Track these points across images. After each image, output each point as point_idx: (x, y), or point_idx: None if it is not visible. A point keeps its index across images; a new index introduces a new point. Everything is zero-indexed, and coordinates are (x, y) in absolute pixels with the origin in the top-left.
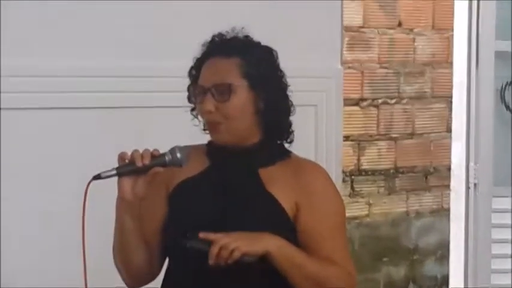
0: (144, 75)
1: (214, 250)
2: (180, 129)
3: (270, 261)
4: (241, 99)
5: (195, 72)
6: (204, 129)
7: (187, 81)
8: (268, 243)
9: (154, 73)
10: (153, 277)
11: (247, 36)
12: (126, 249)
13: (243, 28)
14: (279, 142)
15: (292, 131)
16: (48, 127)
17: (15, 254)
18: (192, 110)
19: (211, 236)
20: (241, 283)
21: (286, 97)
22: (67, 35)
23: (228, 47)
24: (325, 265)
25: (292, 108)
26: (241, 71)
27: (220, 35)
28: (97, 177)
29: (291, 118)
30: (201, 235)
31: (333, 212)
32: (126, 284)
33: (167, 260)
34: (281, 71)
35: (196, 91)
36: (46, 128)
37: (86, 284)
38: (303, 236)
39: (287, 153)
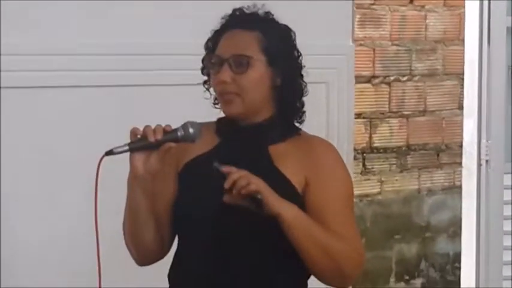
0: (153, 53)
1: (234, 175)
2: (192, 107)
3: (282, 228)
4: (259, 73)
5: (211, 44)
6: (215, 104)
7: (199, 59)
8: (284, 208)
9: (163, 51)
10: (162, 255)
11: (268, 13)
12: (137, 225)
13: (263, 5)
14: (290, 120)
15: (304, 112)
16: (59, 105)
17: (23, 236)
18: (205, 82)
19: (234, 169)
20: (249, 259)
21: (301, 77)
22: (80, 13)
23: (249, 21)
24: (335, 239)
25: (305, 89)
26: (261, 45)
27: (241, 9)
28: (109, 152)
29: (304, 98)
30: (226, 169)
31: (342, 188)
32: (135, 260)
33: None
34: (298, 51)
35: (213, 61)
36: (57, 106)
37: (99, 263)
38: (312, 210)
39: (297, 131)
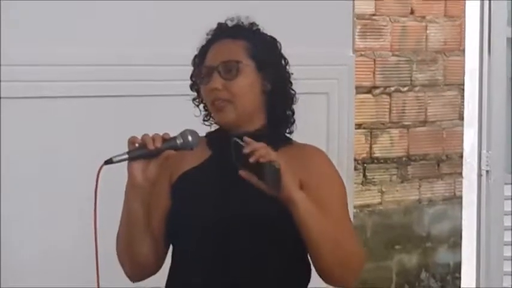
0: (149, 63)
1: (255, 144)
2: (187, 118)
3: (294, 215)
4: (249, 78)
5: (198, 59)
6: (204, 120)
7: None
8: (299, 192)
9: (159, 62)
10: (157, 269)
11: (252, 24)
12: (133, 237)
13: (247, 17)
14: (282, 129)
15: (294, 121)
16: (56, 115)
17: (23, 243)
18: (194, 99)
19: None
20: (246, 270)
21: (291, 84)
22: (79, 23)
23: (234, 31)
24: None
25: (295, 98)
26: (248, 52)
27: (225, 23)
28: (109, 161)
29: (296, 107)
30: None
31: (336, 192)
32: (128, 276)
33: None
34: (285, 59)
35: (203, 72)
36: (55, 117)
37: (97, 271)
38: None
39: (288, 140)
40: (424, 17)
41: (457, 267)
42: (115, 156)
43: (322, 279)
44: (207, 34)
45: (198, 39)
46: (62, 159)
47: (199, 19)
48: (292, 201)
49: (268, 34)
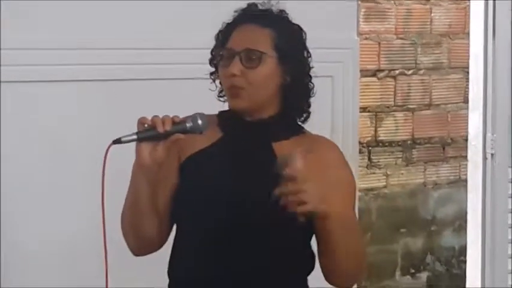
0: (161, 47)
1: (286, 190)
2: (197, 100)
3: (323, 224)
4: (269, 69)
5: (222, 37)
6: (219, 96)
7: (201, 54)
8: (332, 205)
9: (171, 45)
10: (159, 246)
11: (282, 11)
12: (137, 215)
13: (278, 2)
14: (294, 119)
15: (310, 112)
16: (68, 98)
17: (30, 228)
18: (211, 74)
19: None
20: (249, 253)
21: (310, 78)
22: (90, 10)
23: (262, 17)
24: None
25: (313, 91)
26: (274, 42)
27: (255, 4)
28: (117, 141)
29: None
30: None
31: (345, 187)
32: (131, 250)
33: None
34: (308, 52)
35: (224, 54)
36: (66, 99)
37: (105, 252)
38: None
39: (301, 130)
40: (428, 0)
41: (463, 250)
42: (124, 136)
43: (326, 278)
44: (235, 11)
45: (206, 25)
46: (71, 140)
47: (207, 6)
48: (327, 216)
49: (297, 24)
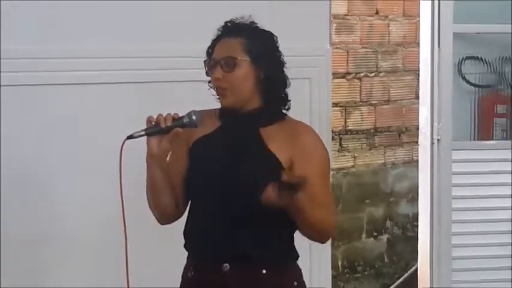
0: (165, 55)
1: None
2: (195, 99)
3: (295, 202)
4: (244, 71)
5: (210, 50)
6: (218, 98)
7: (200, 60)
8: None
9: (173, 54)
10: (178, 216)
11: (252, 22)
12: (156, 193)
13: (250, 16)
14: (277, 108)
15: (289, 100)
16: (88, 99)
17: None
18: (209, 82)
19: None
20: (248, 215)
21: (283, 72)
22: (106, 19)
23: (236, 30)
24: (320, 210)
25: (288, 82)
26: (245, 48)
27: (231, 21)
28: (130, 137)
29: (288, 90)
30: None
31: (322, 165)
32: (157, 220)
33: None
34: (279, 52)
35: (210, 64)
36: (91, 101)
37: (125, 238)
38: None
39: (283, 116)
40: (386, 16)
41: (415, 217)
42: (135, 133)
43: (303, 235)
44: (218, 29)
45: (199, 36)
46: (95, 135)
47: (201, 20)
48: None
49: (267, 30)
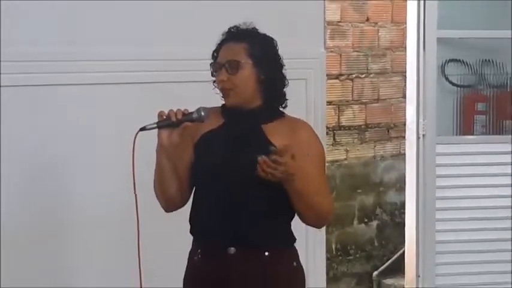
0: (173, 58)
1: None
2: (194, 99)
3: (291, 187)
4: (246, 73)
5: (216, 54)
6: (222, 97)
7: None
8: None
9: (181, 57)
10: (182, 204)
11: (253, 28)
12: (163, 182)
13: (251, 22)
14: (276, 106)
15: (287, 99)
16: (104, 98)
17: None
18: (214, 82)
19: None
20: (249, 204)
21: (282, 73)
22: (119, 25)
23: (239, 35)
24: (317, 196)
25: (286, 82)
26: (248, 52)
27: (235, 26)
28: (143, 128)
29: (286, 90)
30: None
31: (318, 157)
32: (163, 207)
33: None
34: (279, 55)
35: (215, 66)
36: (106, 99)
37: (137, 212)
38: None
39: (282, 114)
40: (376, 23)
41: (402, 205)
42: (148, 125)
43: (302, 221)
44: (222, 34)
45: (202, 40)
46: (111, 129)
47: (205, 25)
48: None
49: (268, 35)
